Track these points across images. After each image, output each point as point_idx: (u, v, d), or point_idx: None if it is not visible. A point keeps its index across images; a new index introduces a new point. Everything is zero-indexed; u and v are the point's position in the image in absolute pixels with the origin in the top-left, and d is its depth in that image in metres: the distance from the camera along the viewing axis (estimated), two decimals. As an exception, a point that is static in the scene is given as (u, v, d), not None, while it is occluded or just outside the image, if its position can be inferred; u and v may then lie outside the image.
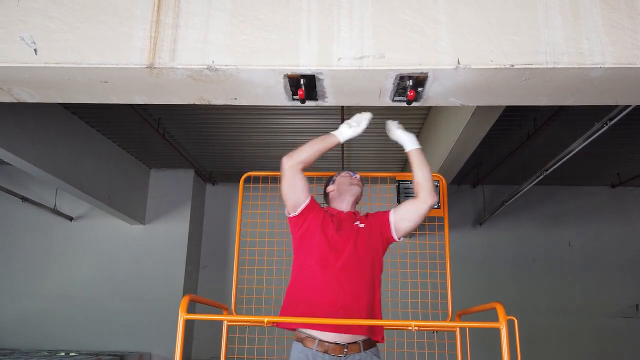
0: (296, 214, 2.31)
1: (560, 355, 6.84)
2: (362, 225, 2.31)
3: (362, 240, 2.27)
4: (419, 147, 2.36)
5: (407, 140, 2.37)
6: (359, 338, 2.14)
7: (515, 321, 2.01)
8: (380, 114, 5.30)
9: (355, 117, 2.37)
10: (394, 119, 2.46)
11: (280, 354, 3.12)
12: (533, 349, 6.75)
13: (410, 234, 2.42)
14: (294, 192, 2.28)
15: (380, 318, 2.24)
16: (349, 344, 2.10)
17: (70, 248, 7.12)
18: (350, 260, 2.20)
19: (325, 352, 2.09)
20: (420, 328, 2.26)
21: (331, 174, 3.51)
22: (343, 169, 2.63)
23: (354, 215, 2.40)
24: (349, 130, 2.33)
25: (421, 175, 2.31)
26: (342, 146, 5.96)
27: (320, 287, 2.16)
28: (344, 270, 2.17)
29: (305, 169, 2.30)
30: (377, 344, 2.24)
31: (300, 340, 2.16)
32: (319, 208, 2.36)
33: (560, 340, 6.92)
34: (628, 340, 6.89)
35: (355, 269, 2.19)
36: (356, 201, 2.47)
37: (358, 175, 2.53)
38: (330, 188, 2.52)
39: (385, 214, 2.37)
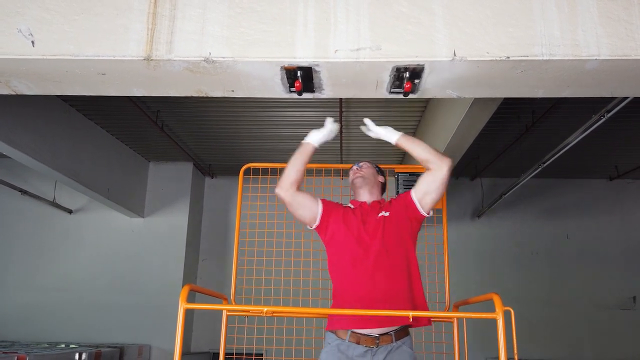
0: (317, 223, 2.35)
1: (558, 346, 6.88)
2: (387, 214, 2.30)
3: (389, 229, 2.26)
4: (400, 134, 2.36)
5: (388, 134, 2.38)
6: (391, 329, 2.15)
7: (512, 312, 2.02)
8: (379, 106, 5.28)
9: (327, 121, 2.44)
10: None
11: (279, 344, 3.15)
12: (530, 340, 6.79)
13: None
14: (304, 210, 2.33)
15: (424, 304, 2.24)
16: (380, 335, 2.12)
17: (69, 241, 7.13)
18: (381, 255, 2.20)
19: (358, 342, 2.11)
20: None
21: (329, 166, 3.54)
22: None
23: (379, 204, 2.38)
24: (318, 133, 2.39)
25: (419, 154, 2.30)
26: (341, 139, 5.96)
27: (353, 284, 2.19)
28: (377, 266, 2.18)
29: (299, 186, 2.34)
30: (409, 331, 2.25)
31: (334, 331, 2.19)
32: (335, 207, 2.38)
33: (557, 332, 6.96)
34: (626, 332, 6.92)
35: (387, 263, 2.19)
36: (369, 189, 2.44)
37: (359, 165, 2.51)
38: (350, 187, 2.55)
39: (407, 195, 2.35)
